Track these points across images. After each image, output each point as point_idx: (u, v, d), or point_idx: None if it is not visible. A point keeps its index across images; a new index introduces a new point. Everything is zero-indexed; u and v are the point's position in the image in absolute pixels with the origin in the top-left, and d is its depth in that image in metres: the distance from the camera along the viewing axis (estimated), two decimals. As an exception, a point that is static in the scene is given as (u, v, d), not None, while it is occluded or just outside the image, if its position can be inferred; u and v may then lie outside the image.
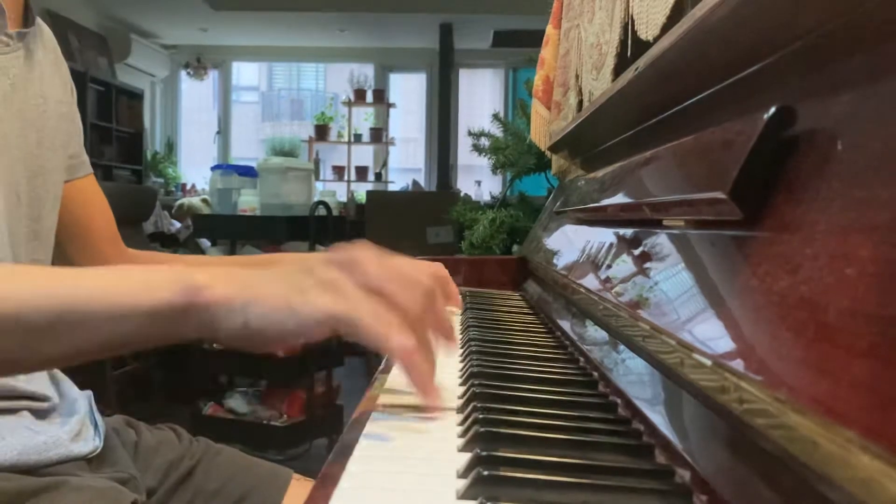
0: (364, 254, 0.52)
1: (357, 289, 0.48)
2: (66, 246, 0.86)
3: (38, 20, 0.80)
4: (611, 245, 0.72)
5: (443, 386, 0.54)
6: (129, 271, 0.52)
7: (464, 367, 0.64)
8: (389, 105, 7.73)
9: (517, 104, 2.19)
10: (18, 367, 0.57)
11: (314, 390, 2.71)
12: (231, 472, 0.86)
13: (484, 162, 2.19)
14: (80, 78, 5.72)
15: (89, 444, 0.75)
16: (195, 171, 8.06)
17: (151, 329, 0.49)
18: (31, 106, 0.74)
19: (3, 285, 0.47)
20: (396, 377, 0.62)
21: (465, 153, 6.58)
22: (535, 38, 1.61)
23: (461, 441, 0.45)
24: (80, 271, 0.51)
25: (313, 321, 0.47)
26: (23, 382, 0.70)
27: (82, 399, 0.79)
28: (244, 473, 0.87)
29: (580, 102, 1.18)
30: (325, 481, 0.38)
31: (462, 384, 0.59)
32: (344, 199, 4.93)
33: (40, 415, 0.71)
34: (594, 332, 0.69)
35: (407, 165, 8.45)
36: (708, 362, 0.37)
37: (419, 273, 0.53)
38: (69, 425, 0.73)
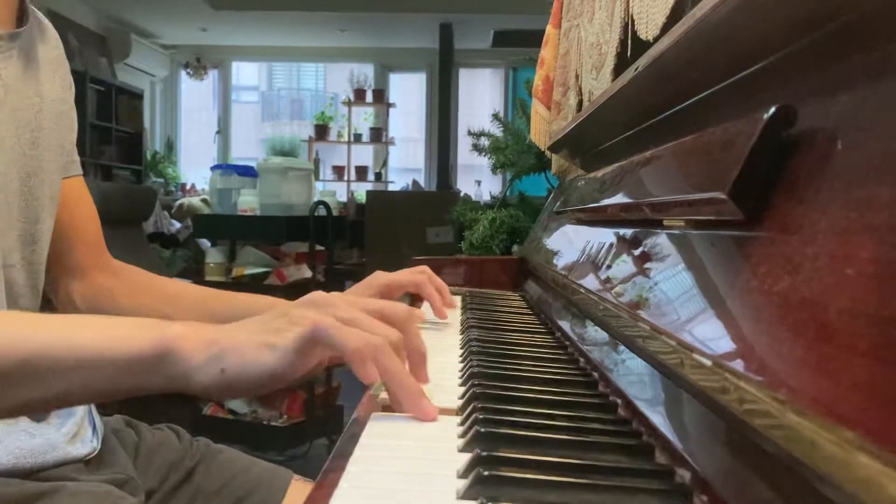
0: (335, 295, 0.52)
1: (325, 317, 0.48)
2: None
3: (41, 18, 0.79)
4: (611, 245, 0.72)
5: (441, 388, 0.54)
6: (102, 319, 0.51)
7: (464, 367, 0.64)
8: (389, 105, 7.73)
9: (517, 104, 2.19)
10: None
11: (314, 390, 2.71)
12: (231, 473, 0.86)
13: (484, 162, 2.19)
14: (80, 78, 5.72)
15: (87, 445, 0.74)
16: (195, 171, 8.06)
17: (123, 379, 0.48)
18: (26, 106, 0.73)
19: None
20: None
21: (465, 153, 6.58)
22: (535, 38, 1.61)
23: (461, 441, 0.45)
24: (52, 317, 0.50)
25: (291, 350, 0.46)
26: None
27: None
28: (244, 474, 0.87)
29: (580, 102, 1.18)
30: (325, 481, 0.38)
31: (462, 384, 0.59)
32: (344, 199, 4.93)
33: (37, 419, 0.71)
34: (594, 332, 0.69)
35: (407, 165, 8.45)
36: (708, 363, 0.37)
37: (390, 307, 0.53)
38: (66, 427, 0.72)
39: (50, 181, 0.77)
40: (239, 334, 0.48)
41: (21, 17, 0.74)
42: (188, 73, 8.48)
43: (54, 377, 0.47)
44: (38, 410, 0.50)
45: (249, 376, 0.47)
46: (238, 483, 0.85)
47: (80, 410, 0.76)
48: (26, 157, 0.73)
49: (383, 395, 0.53)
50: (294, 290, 2.70)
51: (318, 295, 0.53)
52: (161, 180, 7.72)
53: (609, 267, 0.68)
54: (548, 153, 1.44)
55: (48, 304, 0.82)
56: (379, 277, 0.86)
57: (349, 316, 0.49)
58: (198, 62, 8.42)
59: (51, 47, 0.80)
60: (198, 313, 0.83)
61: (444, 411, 0.51)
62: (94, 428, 0.78)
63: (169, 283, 0.91)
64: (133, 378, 0.48)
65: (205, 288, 0.90)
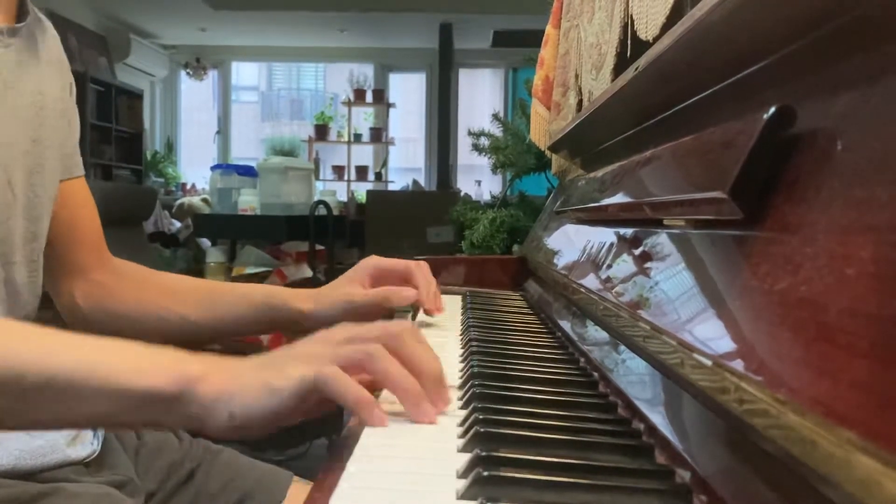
0: (340, 330, 0.53)
1: (328, 353, 0.49)
2: (45, 248, 0.81)
3: (40, 15, 0.79)
4: (611, 245, 0.72)
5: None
6: (128, 347, 0.51)
7: (464, 367, 0.64)
8: (389, 105, 7.73)
9: (517, 104, 2.19)
10: (1, 427, 0.57)
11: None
12: (231, 474, 0.86)
13: (484, 162, 2.18)
14: (79, 78, 5.71)
15: (87, 447, 0.74)
16: (195, 170, 8.06)
17: (137, 413, 0.48)
18: (26, 103, 0.73)
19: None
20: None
21: (465, 153, 6.58)
22: (535, 38, 1.61)
23: (461, 441, 0.45)
24: (80, 339, 0.50)
25: (292, 394, 0.47)
26: None
27: None
28: (245, 475, 0.87)
29: (580, 102, 1.18)
30: (325, 481, 0.38)
31: (462, 384, 0.59)
32: (344, 198, 4.93)
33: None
34: (594, 332, 0.69)
35: (407, 165, 8.45)
36: (708, 362, 0.37)
37: (390, 325, 0.53)
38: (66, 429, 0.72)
39: (51, 180, 0.77)
40: (246, 375, 0.49)
41: (21, 14, 0.74)
42: (188, 73, 8.48)
43: (72, 401, 0.48)
44: (49, 429, 0.50)
45: (254, 419, 0.48)
46: (238, 484, 0.85)
47: None
48: (28, 155, 0.73)
49: (383, 396, 0.53)
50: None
51: (321, 334, 0.53)
52: (161, 180, 7.72)
53: (609, 266, 0.68)
54: (548, 153, 1.44)
55: (48, 302, 0.82)
56: (370, 260, 0.86)
57: (359, 356, 0.49)
58: (197, 62, 8.42)
59: (51, 46, 0.79)
60: (198, 306, 0.83)
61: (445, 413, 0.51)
62: (95, 430, 0.77)
63: (169, 277, 0.91)
64: (148, 414, 0.48)
65: (204, 280, 0.91)
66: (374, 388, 0.51)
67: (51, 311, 0.83)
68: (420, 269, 0.87)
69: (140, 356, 0.50)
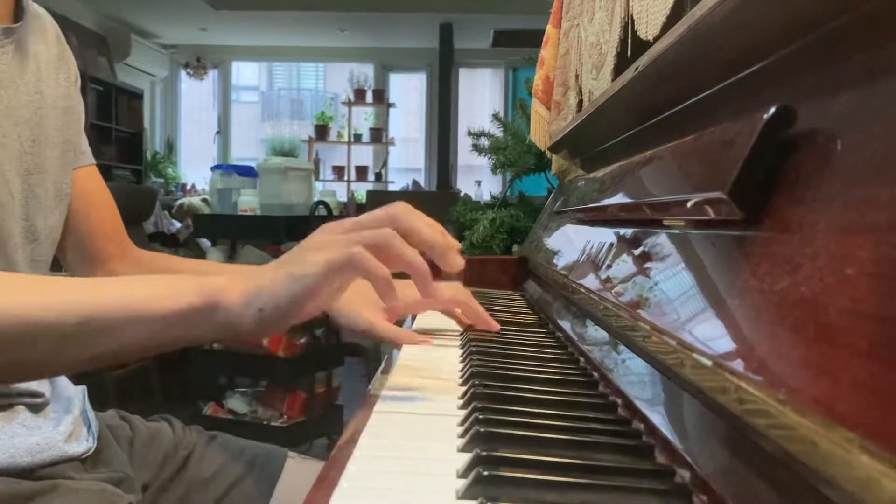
0: (343, 223, 0.57)
1: (344, 239, 0.54)
2: (62, 241, 0.82)
3: (40, 13, 0.78)
4: (611, 245, 0.72)
5: (441, 388, 0.54)
6: (152, 279, 0.56)
7: (464, 367, 0.64)
8: (389, 105, 7.73)
9: (517, 104, 2.19)
10: (47, 371, 0.62)
11: (314, 390, 2.71)
12: (225, 458, 0.86)
13: (484, 162, 2.18)
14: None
15: (83, 444, 0.74)
16: (195, 171, 8.06)
17: (175, 332, 0.53)
18: (24, 104, 0.73)
19: (31, 296, 0.51)
20: (397, 378, 0.62)
21: (465, 153, 6.58)
22: (535, 38, 1.61)
23: (461, 441, 0.45)
24: (108, 280, 0.56)
25: (318, 276, 0.52)
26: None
27: (77, 397, 0.78)
28: (238, 457, 0.86)
29: (580, 102, 1.18)
30: (325, 481, 0.38)
31: (462, 384, 0.59)
32: (344, 199, 4.93)
33: (34, 409, 0.71)
34: (594, 332, 0.69)
35: (407, 165, 8.45)
36: (708, 362, 0.37)
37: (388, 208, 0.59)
38: (63, 426, 0.72)
39: (54, 179, 0.77)
40: (269, 274, 0.54)
41: (17, 14, 0.74)
42: (188, 73, 8.48)
43: (111, 333, 0.52)
44: (102, 363, 0.57)
45: (281, 308, 0.52)
46: (233, 467, 0.85)
47: (77, 409, 0.76)
48: (26, 155, 0.73)
49: (383, 395, 0.53)
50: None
51: (329, 226, 0.58)
52: (161, 180, 7.72)
53: (609, 267, 0.68)
54: (548, 153, 1.44)
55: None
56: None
57: (374, 239, 0.54)
58: (198, 62, 8.42)
59: (51, 44, 0.79)
60: None
61: (445, 410, 0.51)
62: (90, 427, 0.77)
63: (190, 263, 0.93)
64: (186, 330, 0.53)
65: (224, 264, 0.92)
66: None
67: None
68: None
69: (167, 283, 0.55)
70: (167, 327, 0.53)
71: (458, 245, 0.72)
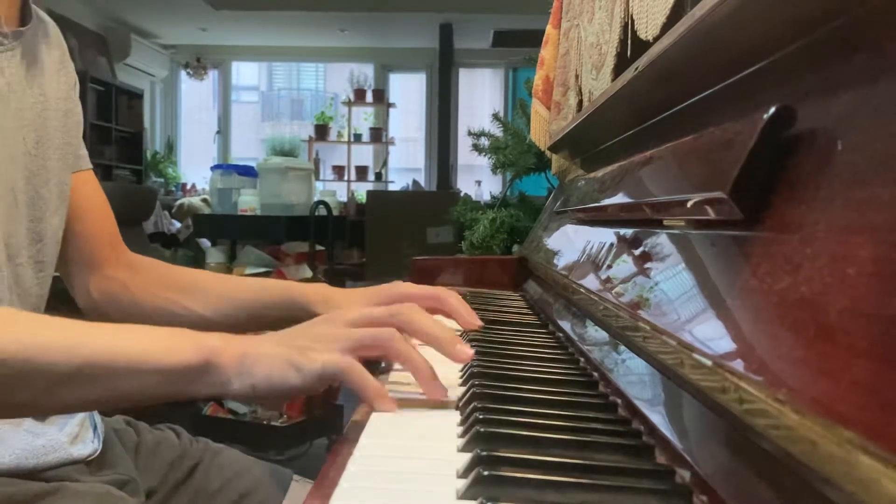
0: (351, 312, 0.59)
1: (347, 337, 0.55)
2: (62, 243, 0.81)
3: (44, 17, 0.79)
4: (611, 245, 0.72)
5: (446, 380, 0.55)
6: (150, 331, 0.56)
7: (464, 367, 0.64)
8: (389, 105, 7.73)
9: (517, 104, 2.19)
10: (36, 411, 0.62)
11: (314, 390, 2.71)
12: (232, 473, 0.86)
13: (484, 162, 2.18)
14: (79, 78, 5.69)
15: (88, 446, 0.74)
16: (195, 171, 8.06)
17: (167, 386, 0.53)
18: (29, 105, 0.73)
19: (29, 336, 0.51)
20: (397, 378, 0.62)
21: (465, 153, 6.58)
22: (535, 38, 1.61)
23: (461, 441, 0.45)
24: (105, 326, 0.55)
25: (314, 376, 0.52)
26: None
27: None
28: (245, 474, 0.87)
29: (580, 102, 1.18)
30: (325, 481, 0.38)
31: (462, 384, 0.59)
32: (344, 198, 4.93)
33: (40, 416, 0.71)
34: (594, 332, 0.69)
35: (407, 165, 8.45)
36: (708, 362, 0.37)
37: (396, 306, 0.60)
38: (68, 428, 0.72)
39: (56, 180, 0.77)
40: (266, 348, 0.54)
41: (24, 17, 0.74)
42: (188, 73, 8.47)
43: (104, 382, 0.52)
44: (91, 409, 0.58)
45: (275, 391, 0.53)
46: (238, 483, 0.85)
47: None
48: (30, 157, 0.73)
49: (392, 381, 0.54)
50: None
51: (335, 317, 0.59)
52: (161, 180, 7.72)
53: (609, 267, 0.68)
54: (548, 153, 1.44)
55: (52, 302, 0.82)
56: (398, 288, 0.80)
57: (376, 341, 0.55)
58: (198, 62, 8.42)
59: (54, 46, 0.80)
60: (214, 304, 0.83)
61: (445, 410, 0.51)
62: (96, 429, 0.78)
63: (186, 273, 0.90)
64: (179, 385, 0.53)
65: (221, 278, 0.92)
66: (379, 361, 0.58)
67: (55, 311, 0.83)
68: (450, 295, 0.83)
69: (162, 336, 0.55)
70: (161, 382, 0.53)
71: (478, 323, 0.73)
